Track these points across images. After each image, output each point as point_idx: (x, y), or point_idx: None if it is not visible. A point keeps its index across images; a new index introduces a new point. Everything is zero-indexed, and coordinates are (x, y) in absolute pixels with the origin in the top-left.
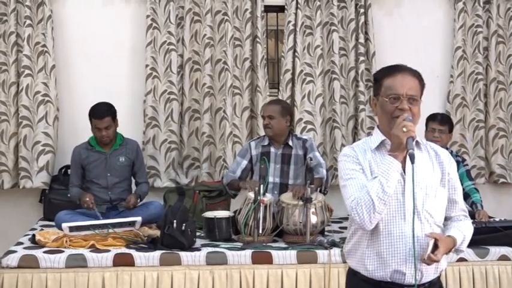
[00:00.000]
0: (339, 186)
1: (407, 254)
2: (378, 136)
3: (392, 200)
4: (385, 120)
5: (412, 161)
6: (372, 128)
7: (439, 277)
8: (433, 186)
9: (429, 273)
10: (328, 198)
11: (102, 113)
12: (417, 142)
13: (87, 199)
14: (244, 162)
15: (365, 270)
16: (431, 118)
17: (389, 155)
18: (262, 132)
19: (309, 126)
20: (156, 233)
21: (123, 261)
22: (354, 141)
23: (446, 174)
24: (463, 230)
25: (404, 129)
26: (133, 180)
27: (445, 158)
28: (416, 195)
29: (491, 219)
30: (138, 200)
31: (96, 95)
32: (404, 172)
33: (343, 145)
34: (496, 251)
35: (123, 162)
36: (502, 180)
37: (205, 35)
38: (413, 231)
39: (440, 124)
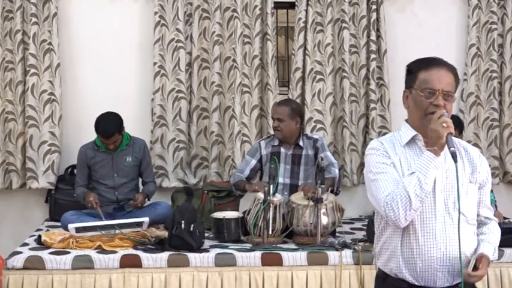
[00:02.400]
0: (350, 187)
1: (437, 255)
2: (408, 131)
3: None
4: (418, 115)
5: (455, 160)
6: (383, 127)
7: None
8: (463, 183)
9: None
10: (340, 198)
11: (108, 132)
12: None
13: (91, 199)
14: (254, 162)
15: (393, 271)
16: None
17: (428, 150)
18: (272, 132)
19: (319, 125)
20: (164, 233)
21: (130, 262)
22: (365, 141)
23: (476, 172)
24: (492, 239)
25: (444, 124)
26: (140, 180)
27: (475, 155)
28: (448, 194)
29: (506, 220)
30: (146, 200)
31: (103, 94)
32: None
33: (352, 144)
34: (511, 252)
35: (130, 162)
36: None
37: (214, 32)
38: (459, 235)
39: None
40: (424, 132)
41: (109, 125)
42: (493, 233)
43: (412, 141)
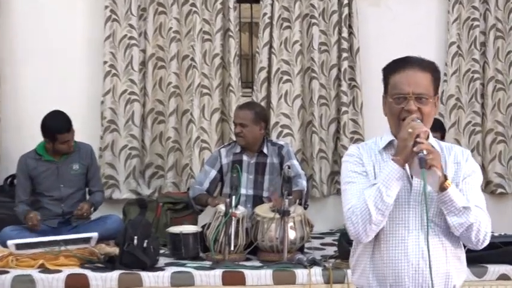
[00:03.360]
0: (319, 198)
1: (409, 271)
2: (387, 136)
3: (397, 208)
4: (392, 122)
5: (422, 165)
6: (356, 133)
7: None
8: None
9: None
10: (308, 211)
11: (66, 125)
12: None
13: (31, 215)
14: (213, 172)
15: (367, 287)
16: None
17: (392, 159)
18: (233, 137)
19: (286, 131)
20: (114, 250)
21: (76, 282)
22: (336, 147)
23: (461, 177)
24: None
25: (410, 129)
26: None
27: (463, 158)
28: (422, 204)
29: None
30: (92, 210)
31: (47, 96)
32: (412, 177)
33: (322, 151)
34: (495, 269)
35: (77, 170)
36: (500, 190)
37: (170, 28)
38: (428, 247)
39: (432, 131)
40: None
41: (61, 117)
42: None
43: (390, 146)
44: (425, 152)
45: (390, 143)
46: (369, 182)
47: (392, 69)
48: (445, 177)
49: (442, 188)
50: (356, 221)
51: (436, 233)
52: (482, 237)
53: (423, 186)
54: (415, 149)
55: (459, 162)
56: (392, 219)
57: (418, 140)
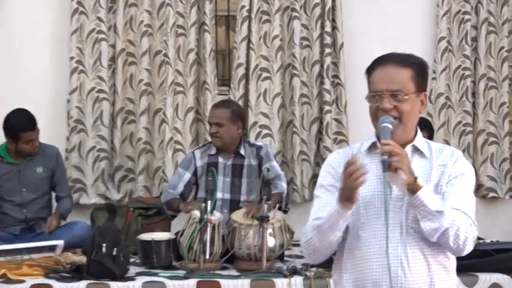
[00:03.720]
0: (300, 203)
1: (387, 279)
2: (372, 137)
3: (375, 214)
4: (373, 122)
5: (384, 169)
6: (339, 133)
7: None
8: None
9: None
10: (289, 216)
11: (30, 123)
12: (413, 146)
13: None
14: (187, 175)
15: None
16: None
17: (338, 203)
18: (209, 138)
19: (265, 131)
20: (82, 259)
21: None
22: (318, 149)
23: (446, 178)
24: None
25: (353, 178)
26: (53, 196)
27: (451, 160)
28: (400, 212)
29: (481, 241)
30: (61, 221)
31: (9, 94)
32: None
33: (303, 153)
34: (486, 278)
35: (41, 173)
36: (492, 194)
37: (142, 21)
38: (387, 255)
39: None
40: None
41: (25, 115)
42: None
43: (374, 147)
44: (386, 156)
45: (373, 145)
46: (333, 198)
47: (371, 67)
48: (415, 180)
49: (412, 192)
50: (303, 244)
51: (415, 239)
52: (462, 243)
53: (384, 190)
54: (377, 151)
55: (446, 164)
56: (371, 226)
57: (383, 141)
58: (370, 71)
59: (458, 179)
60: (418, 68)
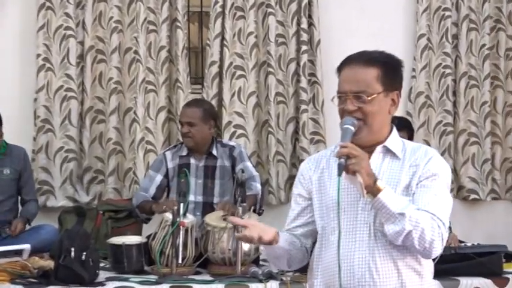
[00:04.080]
0: (276, 205)
1: (353, 283)
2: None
3: (343, 216)
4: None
5: (339, 172)
6: (316, 133)
7: None
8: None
9: None
10: (264, 219)
11: None
12: (385, 147)
13: None
14: (159, 177)
15: None
16: None
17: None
18: (181, 138)
19: (240, 131)
20: (49, 264)
21: None
22: (295, 149)
23: (417, 179)
24: (411, 205)
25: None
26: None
27: (423, 160)
28: (369, 212)
29: (462, 244)
30: (27, 225)
31: None
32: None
33: (279, 153)
34: (468, 282)
35: (8, 175)
36: (473, 196)
37: (111, 17)
38: (338, 257)
39: (397, 130)
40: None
41: None
42: (421, 212)
43: None
44: (343, 159)
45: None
46: (298, 207)
47: (339, 67)
48: (374, 182)
49: (373, 194)
50: None
51: (383, 243)
52: (428, 246)
53: (337, 195)
54: (333, 155)
55: (418, 165)
56: (341, 229)
57: (340, 143)
58: (339, 70)
59: (429, 180)
60: (386, 66)
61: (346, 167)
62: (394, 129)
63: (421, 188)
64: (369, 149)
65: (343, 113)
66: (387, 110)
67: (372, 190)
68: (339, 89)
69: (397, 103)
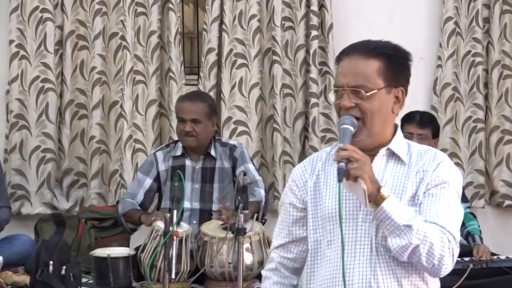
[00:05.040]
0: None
1: None
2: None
3: (344, 230)
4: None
5: (339, 178)
6: (328, 131)
7: None
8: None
9: None
10: (268, 228)
11: None
12: (389, 150)
13: None
14: (148, 181)
15: None
16: (407, 119)
17: None
18: (175, 136)
19: (241, 128)
20: (24, 279)
21: None
22: (304, 148)
23: (424, 187)
24: (422, 217)
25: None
26: None
27: (431, 166)
28: (371, 224)
29: (494, 257)
30: None
31: None
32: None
33: (286, 153)
34: None
35: None
36: (508, 202)
37: None
38: (343, 271)
39: (420, 127)
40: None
41: None
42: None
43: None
44: (343, 163)
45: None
46: (291, 218)
47: (337, 58)
48: (378, 190)
49: (376, 203)
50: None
51: (385, 259)
52: (437, 262)
53: (339, 203)
54: (333, 158)
55: (426, 171)
56: (337, 243)
57: (340, 145)
58: (338, 61)
59: (438, 188)
60: (391, 59)
61: (346, 172)
62: (399, 130)
63: (429, 197)
64: (371, 152)
65: (339, 109)
66: (390, 108)
67: (375, 198)
68: (336, 82)
69: (402, 101)
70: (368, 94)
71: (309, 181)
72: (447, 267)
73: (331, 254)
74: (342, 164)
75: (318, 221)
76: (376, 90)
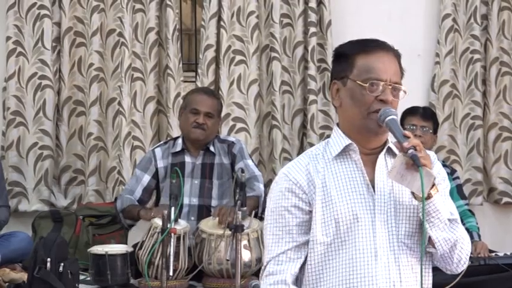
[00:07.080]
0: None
1: None
2: (339, 139)
3: (358, 229)
4: (357, 114)
5: (418, 163)
6: (326, 128)
7: None
8: (408, 205)
9: None
10: None
11: None
12: (389, 149)
13: None
14: (146, 178)
15: None
16: (410, 112)
17: None
18: (173, 133)
19: (240, 125)
20: (22, 276)
21: None
22: (302, 145)
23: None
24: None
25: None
26: None
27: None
28: (389, 222)
29: (492, 254)
30: None
31: None
32: (374, 189)
33: (284, 150)
34: None
35: None
36: (506, 199)
37: None
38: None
39: (423, 119)
40: (362, 138)
41: None
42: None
43: (345, 152)
44: (413, 150)
45: (346, 148)
46: (294, 221)
47: (360, 48)
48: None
49: (427, 196)
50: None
51: (407, 258)
52: (464, 258)
53: (422, 188)
54: (405, 144)
55: None
56: (354, 244)
57: (406, 133)
58: (360, 51)
59: (442, 186)
60: (401, 64)
61: (419, 159)
62: None
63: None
64: (373, 151)
65: (372, 102)
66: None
67: (429, 190)
68: (376, 75)
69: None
70: (400, 93)
71: (315, 180)
72: (465, 265)
73: (344, 254)
74: (413, 151)
75: (329, 222)
76: (402, 91)
